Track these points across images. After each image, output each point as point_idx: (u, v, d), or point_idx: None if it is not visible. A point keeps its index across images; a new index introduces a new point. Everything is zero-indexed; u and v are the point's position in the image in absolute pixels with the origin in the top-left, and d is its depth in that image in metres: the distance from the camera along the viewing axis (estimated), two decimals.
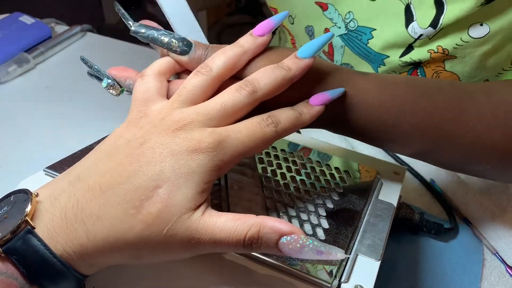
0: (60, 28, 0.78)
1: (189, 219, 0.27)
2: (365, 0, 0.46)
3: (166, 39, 0.33)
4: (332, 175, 0.41)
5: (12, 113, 0.61)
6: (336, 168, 0.42)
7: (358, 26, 0.47)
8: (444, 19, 0.42)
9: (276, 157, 0.42)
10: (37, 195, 0.28)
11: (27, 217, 0.26)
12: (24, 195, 0.28)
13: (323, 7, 0.49)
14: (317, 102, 0.32)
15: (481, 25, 0.43)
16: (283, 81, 0.31)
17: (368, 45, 0.47)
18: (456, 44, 0.44)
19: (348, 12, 0.47)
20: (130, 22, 0.35)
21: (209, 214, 0.28)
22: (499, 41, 0.44)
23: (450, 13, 0.42)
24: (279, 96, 0.32)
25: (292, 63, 0.32)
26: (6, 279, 0.26)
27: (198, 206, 0.28)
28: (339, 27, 0.49)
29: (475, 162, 0.37)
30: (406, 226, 0.46)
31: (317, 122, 0.34)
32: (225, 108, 0.30)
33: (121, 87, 0.35)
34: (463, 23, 0.43)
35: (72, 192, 0.28)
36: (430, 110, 0.35)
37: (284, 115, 0.31)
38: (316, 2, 0.50)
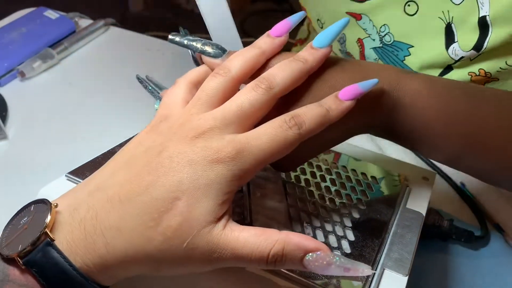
0: (84, 22, 0.78)
1: (209, 233, 0.26)
2: (402, 14, 0.43)
3: (199, 44, 0.33)
4: (358, 181, 0.40)
5: (37, 108, 0.62)
6: (362, 173, 0.41)
7: (394, 40, 0.45)
8: (489, 43, 0.39)
9: None
10: (56, 206, 0.28)
11: (46, 229, 0.26)
12: (43, 205, 0.28)
13: (356, 17, 0.47)
14: (347, 96, 0.30)
15: None
16: (300, 73, 0.30)
17: (404, 61, 0.44)
18: (500, 68, 0.41)
19: (384, 25, 0.45)
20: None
21: (230, 229, 0.27)
22: None
23: (497, 36, 0.39)
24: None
25: (309, 54, 0.31)
26: None
27: (219, 219, 0.27)
28: (373, 39, 0.46)
29: None
30: (434, 233, 0.45)
31: (358, 126, 0.32)
32: (243, 109, 0.29)
33: None
34: (509, 47, 0.40)
35: (91, 203, 0.27)
36: (482, 122, 0.33)
37: (309, 114, 0.29)
38: (348, 12, 0.47)
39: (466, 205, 0.49)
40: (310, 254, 0.26)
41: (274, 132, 0.28)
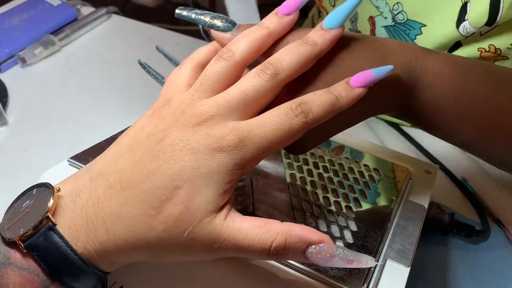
0: (86, 9, 0.77)
1: (210, 223, 0.26)
2: None
3: (208, 17, 0.32)
4: (361, 173, 0.39)
5: (38, 95, 0.61)
6: (365, 165, 0.41)
7: (407, 19, 0.44)
8: (502, 17, 0.38)
9: None
10: (58, 190, 0.27)
11: (48, 213, 0.26)
12: (46, 189, 0.27)
13: None
14: (359, 83, 0.28)
15: None
16: (309, 58, 0.28)
17: (415, 40, 0.44)
18: (510, 44, 0.40)
19: (397, 3, 0.44)
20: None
21: (232, 219, 0.27)
22: None
23: (509, 10, 0.38)
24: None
25: (318, 36, 0.29)
26: (28, 275, 0.26)
27: (221, 208, 0.27)
28: (385, 18, 0.45)
29: None
30: (435, 227, 0.45)
31: (373, 108, 0.31)
32: (246, 96, 0.27)
33: None
34: None
35: (93, 188, 0.27)
36: (503, 103, 0.31)
37: (317, 101, 0.27)
38: None
39: (467, 200, 0.49)
40: (313, 246, 0.26)
41: (279, 120, 0.27)
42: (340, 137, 0.44)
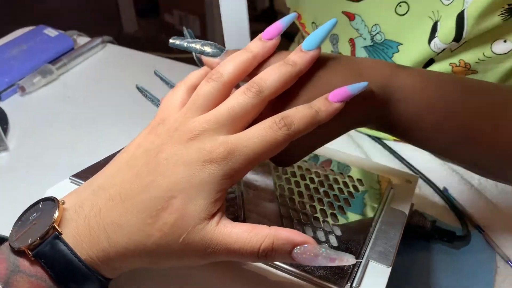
0: (82, 39, 0.81)
1: (203, 229, 0.28)
2: (393, 14, 0.46)
3: (198, 45, 0.35)
4: (345, 183, 0.42)
5: (37, 122, 0.64)
6: (349, 176, 0.43)
7: (385, 39, 0.47)
8: (467, 33, 0.42)
9: None
10: (63, 203, 0.30)
11: (54, 224, 0.28)
12: (51, 202, 0.30)
13: (350, 17, 0.49)
14: (336, 98, 0.31)
15: (505, 41, 0.42)
16: (290, 77, 0.31)
17: (392, 58, 0.47)
18: (478, 59, 0.43)
19: (375, 25, 0.47)
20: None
21: (223, 225, 0.29)
22: None
23: (473, 27, 0.41)
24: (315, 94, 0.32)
25: (298, 57, 0.32)
26: (36, 281, 0.28)
27: (213, 216, 0.29)
28: (365, 39, 0.49)
29: (507, 167, 0.37)
30: (418, 234, 0.47)
31: (352, 122, 0.34)
32: (234, 112, 0.30)
33: None
34: (487, 38, 0.42)
35: (95, 201, 0.29)
36: (475, 111, 0.34)
37: (298, 115, 0.30)
38: (343, 12, 0.50)
39: (448, 208, 0.52)
40: (298, 247, 0.28)
41: (264, 132, 0.30)
42: (327, 152, 0.47)
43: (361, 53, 0.50)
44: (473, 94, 0.35)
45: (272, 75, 0.31)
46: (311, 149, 0.35)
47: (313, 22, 0.55)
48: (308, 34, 0.57)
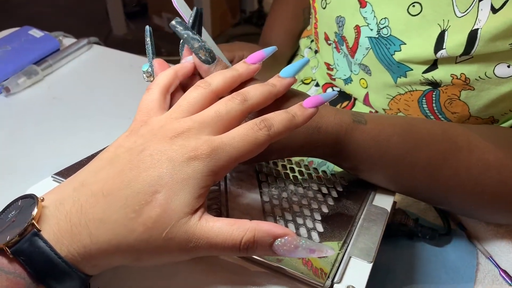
0: (68, 40, 0.80)
1: (186, 223, 0.29)
2: (405, 12, 0.46)
3: (196, 45, 0.37)
4: (328, 180, 0.42)
5: (22, 122, 0.63)
6: (332, 174, 0.43)
7: (391, 35, 0.47)
8: (476, 52, 0.42)
9: (275, 163, 0.43)
10: (43, 200, 0.29)
11: (33, 221, 0.28)
12: (30, 199, 0.29)
13: (362, 3, 0.49)
14: (310, 104, 0.34)
15: (508, 66, 0.42)
16: (270, 94, 0.35)
17: (393, 56, 0.47)
18: (479, 76, 0.44)
19: (384, 18, 0.47)
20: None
21: (205, 219, 0.29)
22: None
23: (483, 47, 0.42)
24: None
25: (276, 81, 0.36)
26: (15, 278, 0.27)
27: (196, 211, 0.29)
28: (371, 29, 0.49)
29: (454, 207, 0.45)
30: (401, 232, 0.47)
31: (316, 154, 0.39)
32: (220, 114, 0.32)
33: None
34: (492, 59, 0.43)
35: (77, 197, 0.29)
36: (415, 163, 0.40)
37: (277, 118, 0.32)
38: None
39: (431, 207, 0.52)
40: (279, 239, 0.29)
41: (246, 132, 0.31)
42: None
43: (364, 42, 0.50)
44: (417, 147, 0.40)
45: (255, 90, 0.34)
46: (288, 155, 0.39)
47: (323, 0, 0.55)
48: (314, 10, 0.57)
